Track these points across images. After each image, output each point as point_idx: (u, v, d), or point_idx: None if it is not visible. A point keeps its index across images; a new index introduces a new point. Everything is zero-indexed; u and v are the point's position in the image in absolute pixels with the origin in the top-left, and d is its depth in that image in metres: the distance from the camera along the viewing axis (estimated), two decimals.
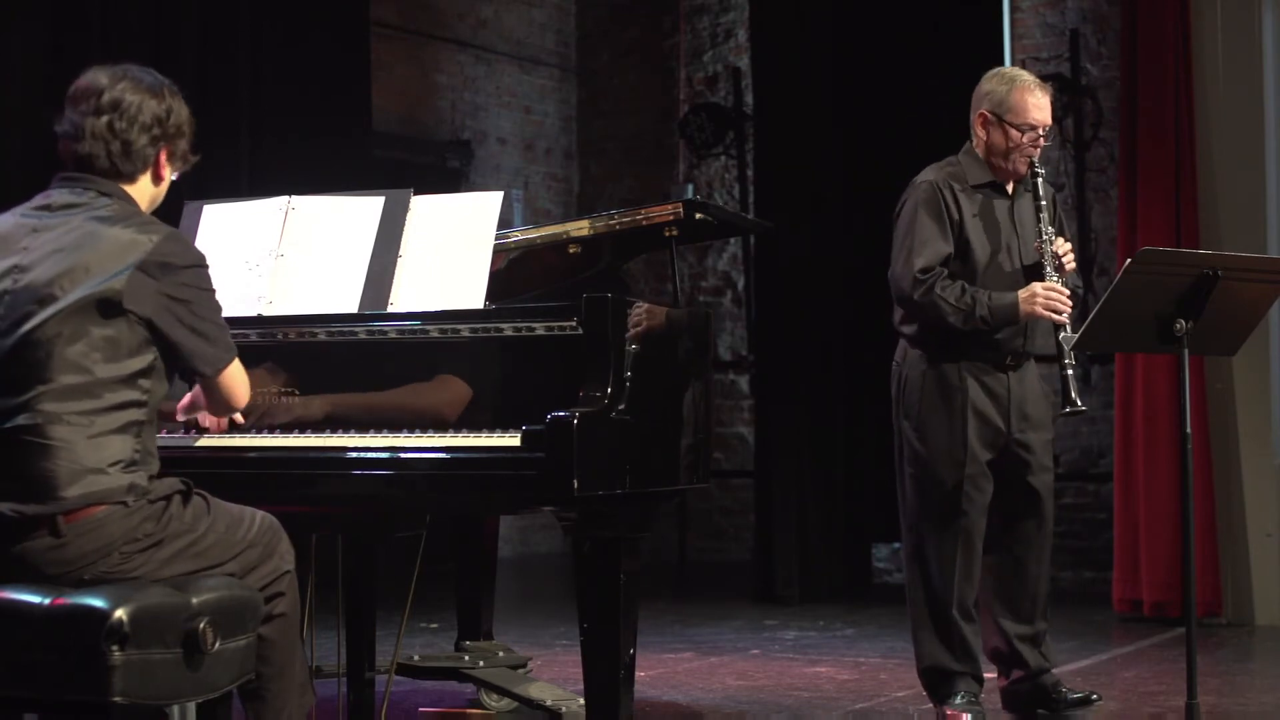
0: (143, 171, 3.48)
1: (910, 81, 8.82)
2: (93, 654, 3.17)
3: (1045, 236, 4.67)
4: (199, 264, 3.43)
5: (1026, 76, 4.79)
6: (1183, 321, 4.23)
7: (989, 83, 4.79)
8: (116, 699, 3.17)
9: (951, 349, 4.70)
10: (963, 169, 4.78)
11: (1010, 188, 4.79)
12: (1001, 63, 8.81)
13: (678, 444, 4.03)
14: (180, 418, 3.86)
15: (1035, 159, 4.72)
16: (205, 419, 3.96)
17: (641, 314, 3.91)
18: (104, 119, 3.42)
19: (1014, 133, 4.70)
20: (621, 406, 3.78)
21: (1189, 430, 4.29)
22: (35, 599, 3.25)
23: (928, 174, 4.78)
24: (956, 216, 4.69)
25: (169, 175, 3.54)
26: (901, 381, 4.79)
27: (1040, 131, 4.71)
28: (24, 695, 3.31)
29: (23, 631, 3.23)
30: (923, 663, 4.79)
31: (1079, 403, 4.58)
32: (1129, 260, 4.24)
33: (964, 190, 4.73)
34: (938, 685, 4.77)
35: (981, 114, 4.76)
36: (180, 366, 3.44)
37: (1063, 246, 4.71)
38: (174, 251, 3.37)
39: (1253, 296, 4.41)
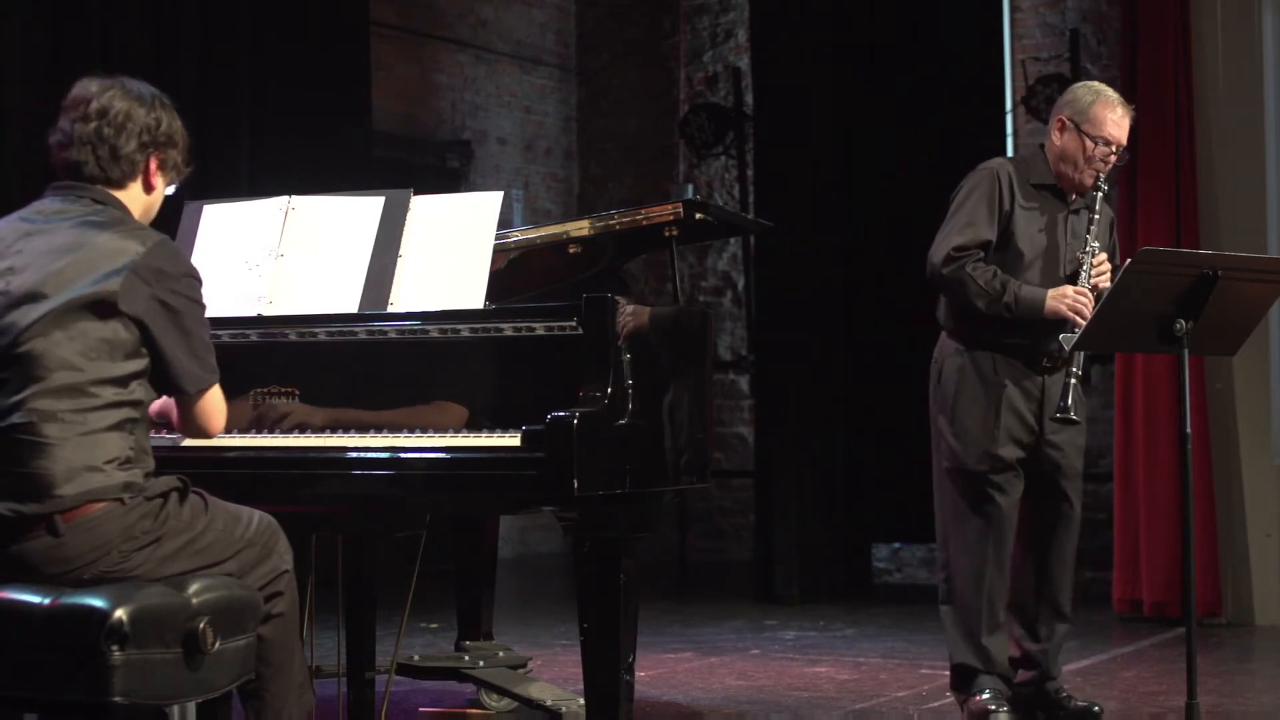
0: (132, 178, 3.48)
1: (910, 81, 8.82)
2: (93, 654, 3.17)
3: (1089, 249, 4.67)
4: (192, 274, 3.43)
5: (1113, 94, 4.79)
6: (1183, 321, 4.23)
7: (1076, 90, 4.82)
8: (116, 699, 3.18)
9: (988, 342, 4.70)
10: (1029, 165, 4.80)
11: (1071, 198, 4.78)
12: (1002, 63, 8.83)
13: (678, 444, 4.03)
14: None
15: (1103, 176, 4.72)
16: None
17: (641, 314, 3.91)
18: (92, 125, 3.44)
19: (1088, 143, 4.69)
20: (621, 406, 3.78)
21: (1189, 430, 4.29)
22: (35, 599, 3.25)
23: (994, 162, 4.80)
24: (1008, 207, 4.70)
25: (161, 185, 3.54)
26: (938, 375, 4.80)
27: (1114, 148, 4.71)
28: (24, 695, 3.31)
29: (23, 631, 3.23)
30: (953, 659, 4.79)
31: (1072, 413, 4.59)
32: (1129, 260, 4.24)
33: (1022, 184, 4.74)
34: (964, 681, 4.77)
35: (1060, 119, 4.77)
36: (165, 382, 3.42)
37: (1103, 264, 4.69)
38: (167, 259, 3.38)
39: (1253, 296, 4.40)
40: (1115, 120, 4.72)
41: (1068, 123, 4.74)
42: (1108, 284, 4.67)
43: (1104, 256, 4.72)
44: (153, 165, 3.49)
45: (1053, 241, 4.74)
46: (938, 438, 4.80)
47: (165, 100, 3.54)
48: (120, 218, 3.43)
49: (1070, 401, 4.59)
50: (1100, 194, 4.72)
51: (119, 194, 3.47)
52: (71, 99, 3.49)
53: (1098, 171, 4.71)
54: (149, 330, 3.33)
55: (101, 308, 3.30)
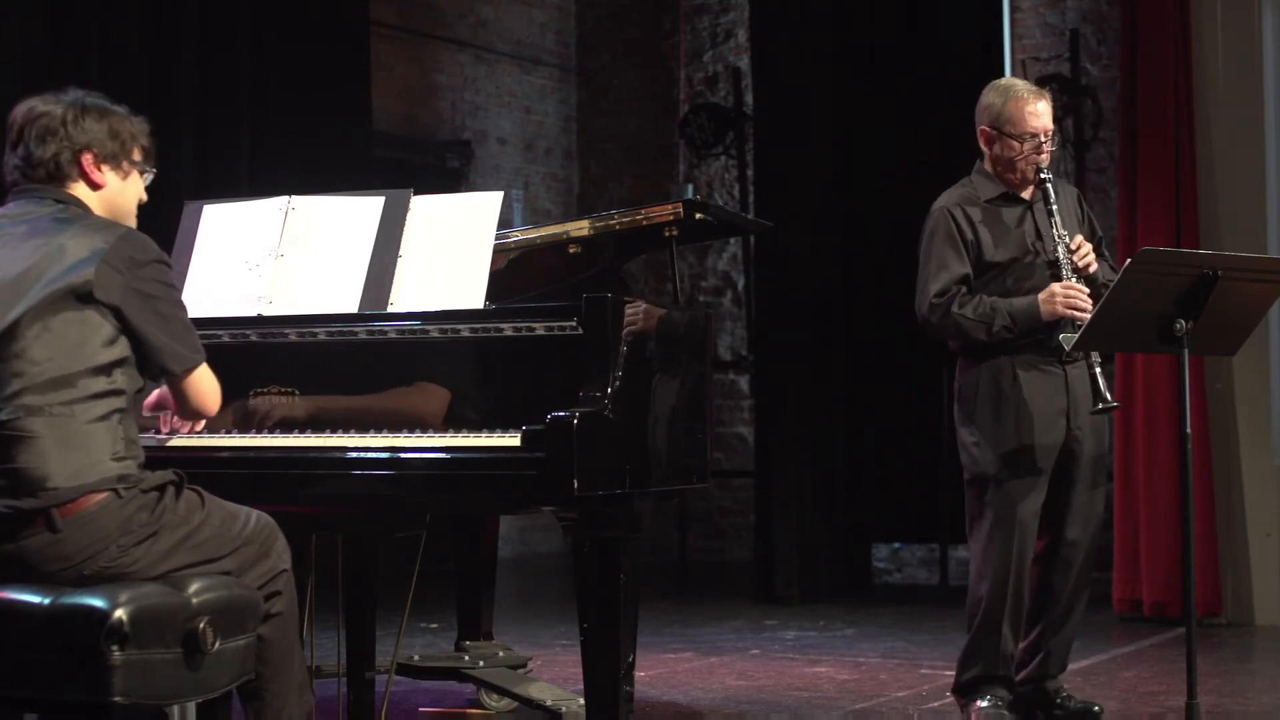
0: (67, 180, 3.51)
1: (910, 81, 8.82)
2: (93, 654, 3.17)
3: (1058, 238, 4.68)
4: (162, 260, 3.47)
5: (1021, 86, 4.81)
6: (1183, 321, 4.23)
7: (986, 97, 4.82)
8: (116, 699, 3.18)
9: (1001, 349, 4.69)
10: (974, 188, 4.81)
11: (1027, 194, 4.79)
12: (1002, 63, 8.83)
13: (678, 444, 4.03)
14: (146, 413, 3.84)
15: (1042, 165, 4.73)
16: (173, 422, 3.93)
17: (641, 314, 3.91)
18: (16, 148, 3.53)
19: (1014, 143, 4.72)
20: (621, 406, 3.78)
21: (1189, 430, 4.29)
22: (35, 599, 3.25)
23: (941, 200, 4.81)
24: (971, 236, 4.72)
25: (114, 181, 3.56)
26: (958, 392, 4.81)
27: (1041, 138, 4.72)
28: (24, 695, 3.32)
29: (23, 631, 3.24)
30: (965, 671, 4.76)
31: (1110, 398, 4.59)
32: (1129, 260, 4.24)
33: (976, 207, 4.75)
34: (969, 687, 4.77)
35: (982, 130, 4.79)
36: (150, 365, 3.45)
37: (1082, 248, 4.68)
38: (135, 247, 3.42)
39: (1253, 296, 4.41)
40: (1033, 112, 4.73)
41: (991, 132, 4.76)
42: (1093, 261, 4.69)
43: (1080, 239, 4.72)
44: (86, 163, 3.51)
45: (1028, 241, 4.76)
46: (961, 450, 4.80)
47: (99, 103, 3.55)
48: (82, 214, 3.48)
49: (1102, 389, 4.58)
50: (1047, 182, 4.73)
51: (73, 191, 3.51)
52: (7, 126, 3.56)
53: (1035, 164, 4.73)
54: (126, 317, 3.37)
55: (77, 298, 3.33)
